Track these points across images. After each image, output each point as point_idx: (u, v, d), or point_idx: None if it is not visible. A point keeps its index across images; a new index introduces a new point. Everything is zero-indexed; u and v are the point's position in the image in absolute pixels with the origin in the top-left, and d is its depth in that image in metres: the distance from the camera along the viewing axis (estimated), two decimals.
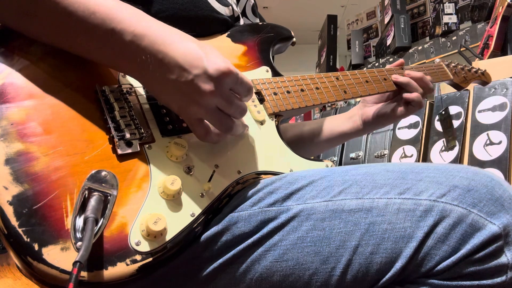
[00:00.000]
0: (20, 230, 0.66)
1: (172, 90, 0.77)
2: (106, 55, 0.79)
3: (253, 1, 1.24)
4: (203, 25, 1.02)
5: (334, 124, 1.34)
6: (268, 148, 0.94)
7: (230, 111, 0.81)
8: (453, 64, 1.45)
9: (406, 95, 1.22)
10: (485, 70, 1.54)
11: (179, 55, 0.76)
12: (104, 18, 0.75)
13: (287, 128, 1.37)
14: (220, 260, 0.79)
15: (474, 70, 1.50)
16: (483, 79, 1.53)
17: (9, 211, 0.66)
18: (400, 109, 1.24)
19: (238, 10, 1.11)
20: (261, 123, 0.96)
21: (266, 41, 1.10)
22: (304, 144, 1.36)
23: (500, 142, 1.86)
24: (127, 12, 0.77)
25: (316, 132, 1.35)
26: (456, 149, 1.99)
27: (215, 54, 0.78)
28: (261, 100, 0.99)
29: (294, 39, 1.16)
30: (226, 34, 1.06)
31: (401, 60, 1.31)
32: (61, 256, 0.67)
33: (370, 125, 1.30)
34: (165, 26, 0.79)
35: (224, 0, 1.06)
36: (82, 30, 0.76)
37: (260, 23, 1.15)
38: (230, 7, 1.08)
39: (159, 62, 0.76)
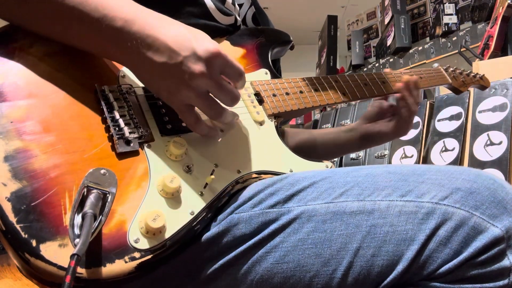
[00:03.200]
0: (18, 226, 0.65)
1: (162, 74, 0.78)
2: (97, 42, 0.80)
3: (254, 10, 1.24)
4: None
5: (336, 137, 1.36)
6: (267, 148, 0.94)
7: (221, 97, 0.81)
8: (451, 69, 1.46)
9: (401, 103, 1.23)
10: (483, 75, 1.56)
11: (169, 37, 0.77)
12: (97, 5, 0.77)
13: (292, 135, 1.40)
14: (221, 261, 0.79)
15: (472, 74, 1.52)
16: (482, 83, 1.55)
17: (7, 207, 0.66)
18: (395, 125, 1.25)
19: (239, 18, 1.11)
20: (261, 123, 0.96)
21: (264, 45, 1.11)
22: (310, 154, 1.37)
23: (500, 143, 1.86)
24: (118, 0, 0.79)
25: (322, 142, 1.38)
26: (457, 149, 1.98)
27: (204, 37, 0.79)
28: (260, 101, 0.99)
29: (292, 43, 1.18)
30: (225, 37, 1.07)
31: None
32: (59, 253, 0.66)
33: (369, 142, 1.32)
34: (154, 13, 0.81)
35: (227, 10, 1.07)
36: (74, 17, 0.77)
37: (259, 27, 1.17)
38: (233, 16, 1.08)
39: (149, 46, 0.77)
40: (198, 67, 0.76)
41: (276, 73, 1.07)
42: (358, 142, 1.32)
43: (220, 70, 0.79)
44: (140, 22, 0.77)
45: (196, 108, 0.82)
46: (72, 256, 0.61)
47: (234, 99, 0.82)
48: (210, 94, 0.81)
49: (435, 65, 1.46)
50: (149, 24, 0.77)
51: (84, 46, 0.81)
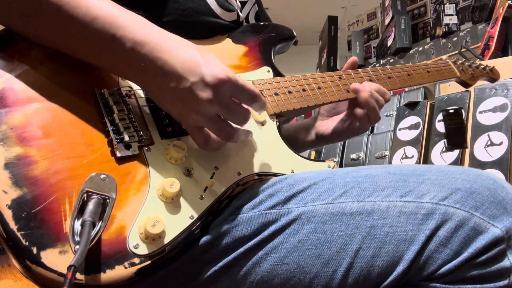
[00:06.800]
0: (19, 234, 0.65)
1: (172, 98, 0.77)
2: (106, 61, 0.79)
3: (257, 8, 1.23)
4: (204, 30, 1.02)
5: (293, 132, 1.29)
6: (269, 149, 0.93)
7: (231, 119, 0.80)
8: (460, 62, 1.41)
9: (366, 108, 1.09)
10: (493, 67, 1.51)
11: (178, 61, 0.75)
12: (105, 24, 0.75)
13: None
14: (221, 263, 0.79)
15: (482, 67, 1.46)
16: (491, 75, 1.50)
17: (8, 215, 0.66)
18: (356, 124, 1.14)
19: (242, 15, 1.10)
20: (262, 123, 0.95)
21: (267, 41, 1.09)
22: None
23: (501, 143, 1.85)
24: (128, 18, 0.77)
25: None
26: (457, 150, 1.98)
27: (214, 62, 0.77)
28: None
29: (296, 39, 1.15)
30: (227, 35, 1.06)
31: (353, 58, 1.20)
32: (60, 260, 0.66)
33: (324, 139, 1.23)
34: (165, 33, 0.79)
35: (229, 5, 1.06)
36: (82, 34, 0.76)
37: (261, 23, 1.14)
38: (235, 12, 1.07)
39: (158, 69, 0.75)
40: (205, 94, 0.75)
41: (279, 70, 1.05)
42: (314, 140, 1.24)
43: (230, 95, 0.78)
44: (149, 44, 0.76)
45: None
46: (69, 267, 0.61)
47: (244, 119, 0.81)
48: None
49: (444, 57, 1.41)
50: (159, 46, 0.76)
51: (94, 63, 0.80)
